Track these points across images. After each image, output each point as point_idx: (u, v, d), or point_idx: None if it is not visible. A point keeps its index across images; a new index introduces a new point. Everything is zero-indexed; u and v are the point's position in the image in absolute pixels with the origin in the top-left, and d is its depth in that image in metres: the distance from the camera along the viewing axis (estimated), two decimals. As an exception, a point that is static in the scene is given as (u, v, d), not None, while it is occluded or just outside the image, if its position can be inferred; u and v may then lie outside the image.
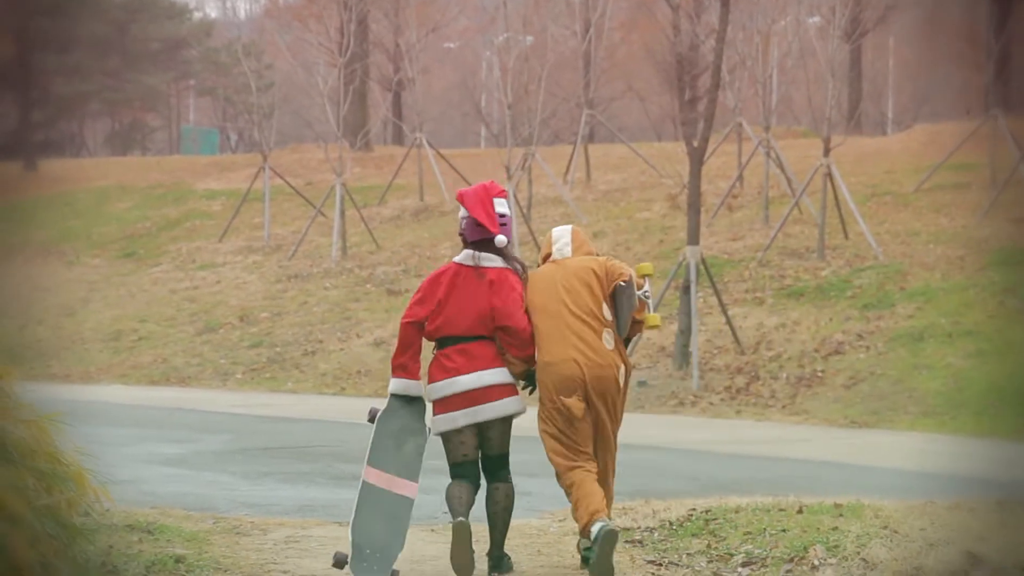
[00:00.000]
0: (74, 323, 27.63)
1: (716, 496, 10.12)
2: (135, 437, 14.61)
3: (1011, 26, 25.23)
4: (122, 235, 34.74)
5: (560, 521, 9.69)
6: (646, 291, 8.24)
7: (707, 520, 8.90)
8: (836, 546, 7.85)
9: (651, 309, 8.30)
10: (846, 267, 22.81)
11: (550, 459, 8.04)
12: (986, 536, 7.61)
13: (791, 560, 7.74)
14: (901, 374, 18.65)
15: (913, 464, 13.57)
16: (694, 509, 9.34)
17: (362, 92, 38.11)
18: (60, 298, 28.33)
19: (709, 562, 8.02)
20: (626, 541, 8.72)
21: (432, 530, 9.36)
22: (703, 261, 20.35)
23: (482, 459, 8.14)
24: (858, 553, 7.59)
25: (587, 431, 8.01)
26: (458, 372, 8.08)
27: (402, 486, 7.86)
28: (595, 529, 7.70)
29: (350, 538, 7.59)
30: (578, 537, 8.31)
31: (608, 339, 8.09)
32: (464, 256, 8.29)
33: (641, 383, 19.73)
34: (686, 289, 19.89)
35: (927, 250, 23.08)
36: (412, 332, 8.23)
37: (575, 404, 7.91)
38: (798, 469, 13.38)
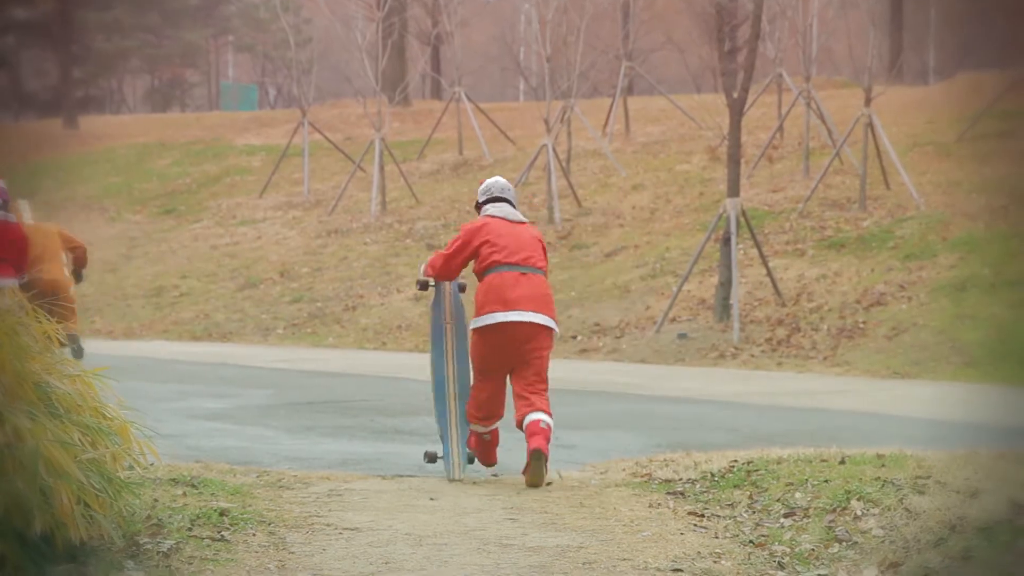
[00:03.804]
0: (116, 279, 27.79)
1: (757, 448, 10.11)
2: (178, 392, 14.71)
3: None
4: (163, 191, 34.88)
5: (602, 474, 9.71)
6: None
7: (749, 471, 8.89)
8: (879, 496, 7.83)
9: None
10: (888, 217, 22.68)
11: None
12: (1030, 486, 7.56)
13: (834, 511, 7.74)
14: (943, 325, 18.56)
15: (956, 415, 13.52)
16: (735, 461, 9.33)
17: (400, 46, 38.05)
18: (102, 254, 28.48)
19: (751, 513, 8.02)
20: (667, 493, 8.73)
21: (474, 483, 9.40)
22: (743, 213, 20.28)
23: None
24: (901, 503, 7.57)
25: None
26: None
27: None
28: None
29: None
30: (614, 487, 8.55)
31: None
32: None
33: (681, 336, 19.71)
34: (726, 241, 19.83)
35: (969, 200, 22.91)
36: None
37: None
38: (840, 420, 13.35)
